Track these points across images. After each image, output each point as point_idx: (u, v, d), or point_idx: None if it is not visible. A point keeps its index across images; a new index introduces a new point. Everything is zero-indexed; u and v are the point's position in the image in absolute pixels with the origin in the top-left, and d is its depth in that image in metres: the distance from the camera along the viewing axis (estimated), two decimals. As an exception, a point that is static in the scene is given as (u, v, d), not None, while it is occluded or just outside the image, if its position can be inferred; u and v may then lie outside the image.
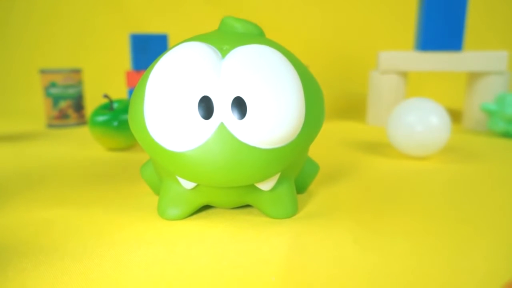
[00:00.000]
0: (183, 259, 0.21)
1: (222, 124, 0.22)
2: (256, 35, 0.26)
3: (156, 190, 0.29)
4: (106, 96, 0.45)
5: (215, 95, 0.22)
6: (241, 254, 0.21)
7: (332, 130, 0.61)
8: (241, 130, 0.22)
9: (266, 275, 0.19)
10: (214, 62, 0.23)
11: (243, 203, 0.26)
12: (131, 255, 0.21)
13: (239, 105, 0.22)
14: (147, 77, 0.25)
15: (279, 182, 0.25)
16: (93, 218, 0.26)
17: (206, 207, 0.28)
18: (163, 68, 0.23)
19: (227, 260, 0.21)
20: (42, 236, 0.24)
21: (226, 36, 0.25)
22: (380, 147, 0.48)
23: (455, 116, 0.73)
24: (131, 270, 0.20)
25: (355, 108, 0.83)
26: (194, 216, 0.27)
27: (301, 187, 0.30)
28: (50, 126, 0.67)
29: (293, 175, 0.27)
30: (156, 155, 0.24)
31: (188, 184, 0.24)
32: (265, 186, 0.24)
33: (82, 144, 0.51)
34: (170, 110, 0.22)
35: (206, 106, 0.22)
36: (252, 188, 0.25)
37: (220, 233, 0.24)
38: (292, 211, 0.26)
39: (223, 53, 0.24)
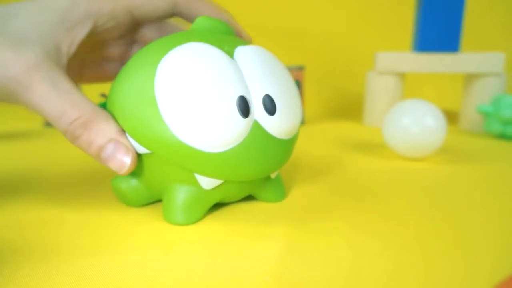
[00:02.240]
0: (178, 259, 0.21)
1: (256, 121, 0.24)
2: (230, 34, 0.27)
3: (138, 201, 0.27)
4: (103, 95, 0.45)
5: (248, 94, 0.24)
6: (235, 254, 0.21)
7: (328, 130, 0.61)
8: (271, 125, 0.24)
9: (260, 274, 0.19)
10: (230, 63, 0.24)
11: (249, 193, 0.28)
12: (126, 255, 0.21)
13: (269, 102, 0.24)
14: (148, 79, 0.23)
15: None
16: (89, 218, 0.26)
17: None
18: (181, 69, 0.22)
19: (221, 260, 0.21)
20: (39, 235, 0.24)
21: (213, 36, 0.25)
22: (376, 148, 0.48)
23: (452, 117, 0.73)
24: (126, 270, 0.20)
25: (351, 108, 0.83)
26: (190, 216, 0.27)
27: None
28: (48, 125, 0.67)
29: None
30: (182, 158, 0.23)
31: (208, 184, 0.24)
32: (274, 173, 0.28)
33: (79, 143, 0.51)
34: (209, 111, 0.22)
35: (244, 106, 0.23)
36: (262, 178, 0.27)
37: (214, 233, 0.24)
38: (285, 194, 0.30)
39: (229, 53, 0.25)
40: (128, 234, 0.24)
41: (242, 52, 0.25)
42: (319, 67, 0.95)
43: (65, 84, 0.23)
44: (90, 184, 0.34)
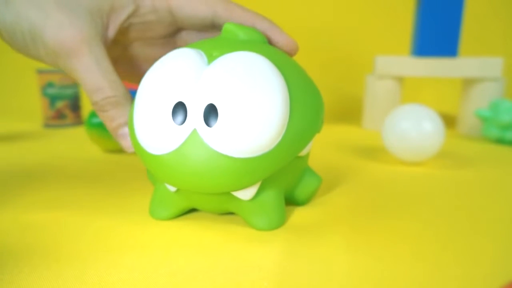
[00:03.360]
0: (177, 263, 0.21)
1: (195, 130, 0.22)
2: (257, 42, 0.26)
3: None
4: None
5: (189, 101, 0.23)
6: (233, 259, 0.22)
7: (327, 134, 0.61)
8: (212, 138, 0.22)
9: (259, 280, 0.19)
10: (196, 69, 0.23)
11: (226, 210, 0.26)
12: (125, 258, 0.21)
13: (212, 112, 0.22)
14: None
15: (263, 192, 0.25)
16: (88, 220, 0.27)
17: (199, 212, 0.28)
18: (150, 74, 0.24)
19: (221, 265, 0.21)
20: (38, 238, 0.24)
21: (222, 43, 0.25)
22: (375, 152, 0.49)
23: (450, 121, 0.73)
24: (125, 274, 0.20)
25: (351, 112, 0.84)
26: (188, 220, 0.27)
27: (299, 200, 0.29)
28: (47, 126, 0.67)
29: (282, 185, 0.26)
30: (141, 156, 0.25)
31: (171, 187, 0.25)
32: (244, 195, 0.24)
33: (79, 145, 0.51)
34: (148, 114, 0.23)
35: (180, 112, 0.23)
36: (232, 195, 0.25)
37: (214, 238, 0.24)
38: (277, 223, 0.26)
39: (210, 59, 0.24)
40: (127, 238, 0.24)
41: (224, 58, 0.23)
42: (318, 70, 0.95)
43: (107, 63, 0.26)
44: (90, 186, 0.34)
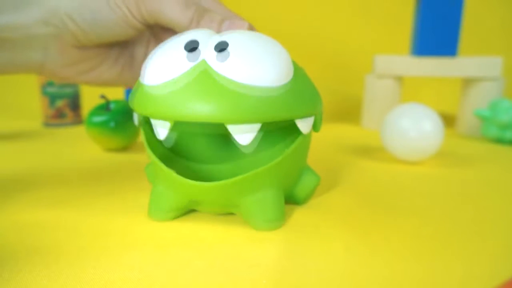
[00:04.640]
0: (176, 262, 0.21)
1: (203, 60, 0.24)
2: None
3: None
4: (103, 96, 0.46)
5: (202, 40, 0.25)
6: (232, 257, 0.22)
7: (327, 133, 0.61)
8: (219, 68, 0.23)
9: (257, 278, 0.19)
10: (211, 32, 0.26)
11: (226, 210, 0.26)
12: (125, 257, 0.22)
13: (222, 46, 0.24)
14: None
15: (262, 191, 0.25)
16: (88, 219, 0.27)
17: (199, 212, 0.28)
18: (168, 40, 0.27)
19: (219, 264, 0.21)
20: (37, 237, 0.24)
21: None
22: (375, 151, 0.49)
23: (449, 121, 0.73)
24: (124, 272, 0.20)
25: (350, 112, 0.84)
26: (188, 219, 0.27)
27: (298, 198, 0.29)
28: (47, 125, 0.67)
29: (282, 184, 0.26)
30: (138, 100, 0.25)
31: (162, 133, 0.25)
32: (243, 138, 0.24)
33: (79, 144, 0.51)
34: (159, 54, 0.25)
35: (192, 46, 0.24)
36: (236, 190, 0.24)
37: (212, 236, 0.24)
38: (276, 223, 0.25)
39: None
40: (127, 237, 0.24)
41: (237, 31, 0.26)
42: (318, 70, 0.95)
43: None
44: (90, 185, 0.34)
